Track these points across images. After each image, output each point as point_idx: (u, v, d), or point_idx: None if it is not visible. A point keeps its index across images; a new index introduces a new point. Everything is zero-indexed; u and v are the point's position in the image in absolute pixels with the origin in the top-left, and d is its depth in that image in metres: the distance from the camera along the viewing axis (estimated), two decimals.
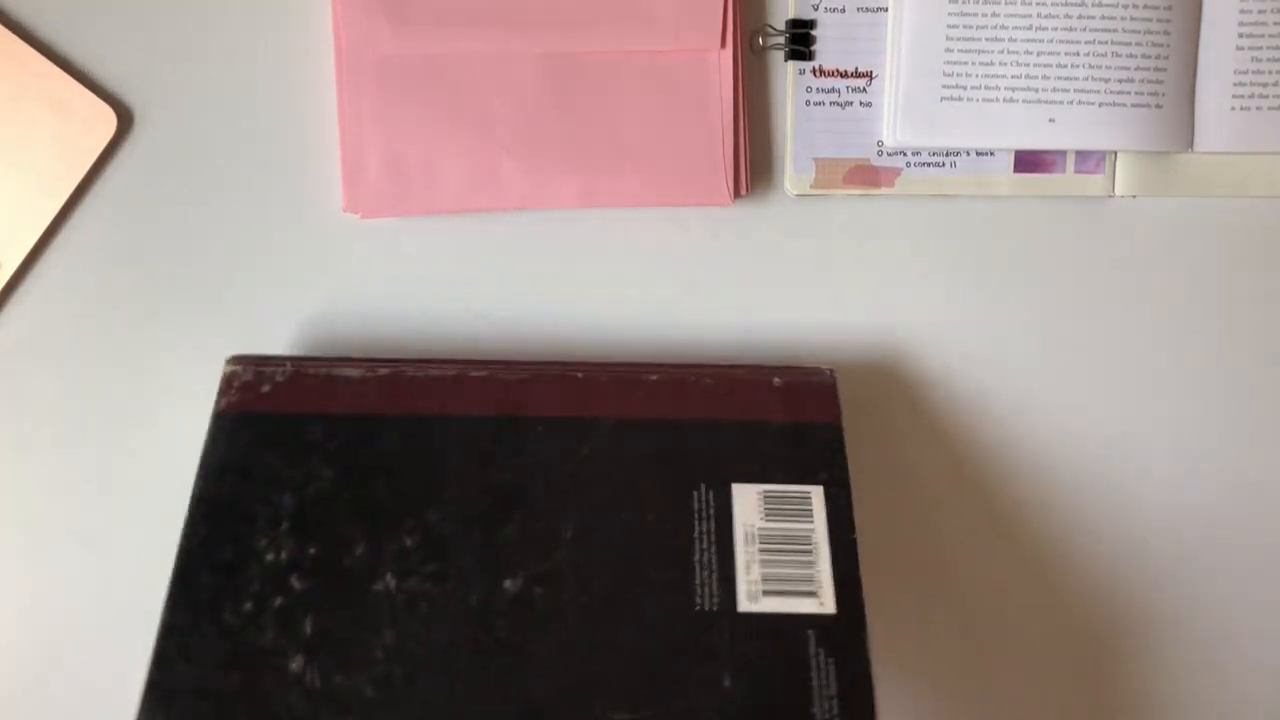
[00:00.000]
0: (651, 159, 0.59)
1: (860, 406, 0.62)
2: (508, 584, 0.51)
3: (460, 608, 0.51)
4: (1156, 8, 0.59)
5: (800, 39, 0.60)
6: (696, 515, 0.53)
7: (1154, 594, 0.63)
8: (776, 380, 0.56)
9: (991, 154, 0.61)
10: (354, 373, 0.55)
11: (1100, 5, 0.59)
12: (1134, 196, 0.62)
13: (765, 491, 0.54)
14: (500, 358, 0.58)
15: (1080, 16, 0.59)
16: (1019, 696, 0.63)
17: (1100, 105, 0.59)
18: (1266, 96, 0.61)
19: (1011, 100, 0.60)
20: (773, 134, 0.61)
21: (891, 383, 0.62)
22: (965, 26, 0.59)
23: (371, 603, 0.51)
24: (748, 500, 0.53)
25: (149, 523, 0.61)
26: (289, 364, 0.55)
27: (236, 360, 0.56)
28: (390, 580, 0.51)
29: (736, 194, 0.60)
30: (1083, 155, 0.61)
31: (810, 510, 0.53)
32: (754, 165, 0.61)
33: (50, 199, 0.59)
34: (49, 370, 0.61)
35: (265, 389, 0.55)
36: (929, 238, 0.62)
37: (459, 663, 0.50)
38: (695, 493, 0.53)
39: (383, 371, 0.55)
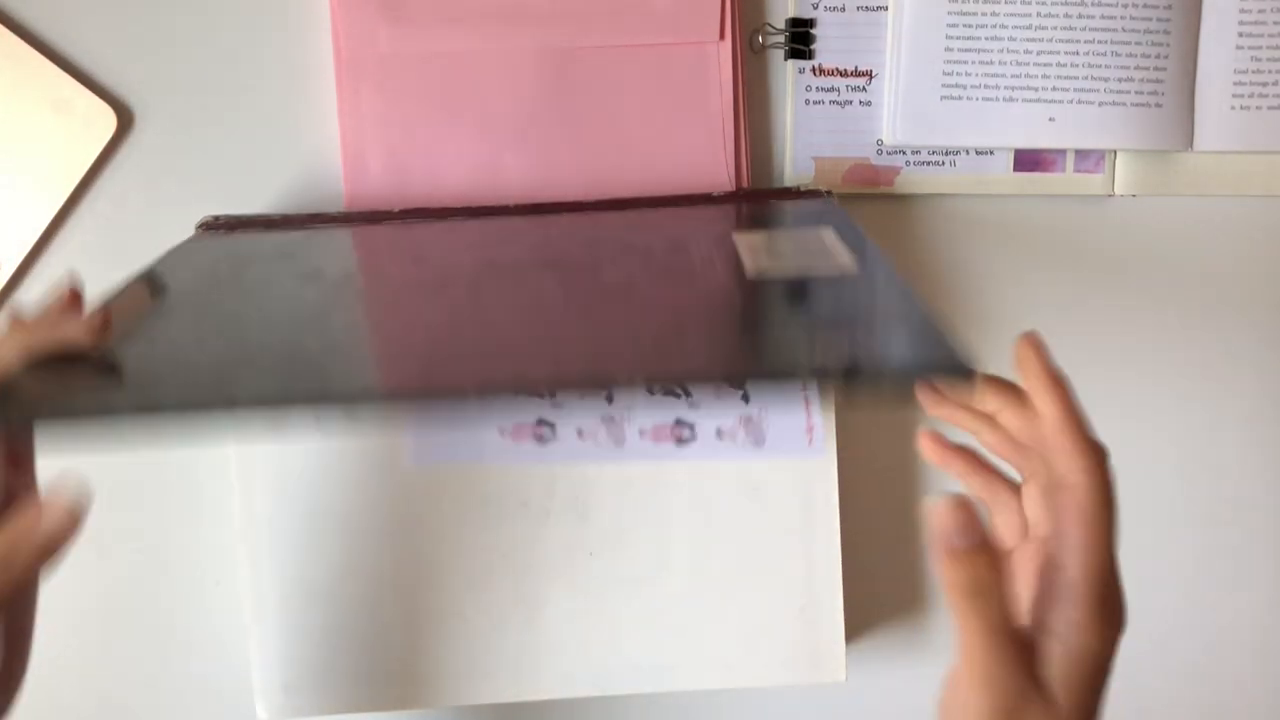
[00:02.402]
0: (653, 152, 0.59)
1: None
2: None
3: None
4: (1156, 7, 0.59)
5: (800, 38, 0.60)
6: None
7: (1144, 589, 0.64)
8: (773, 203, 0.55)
9: (991, 153, 0.61)
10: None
11: (1100, 5, 0.59)
12: (1134, 196, 0.62)
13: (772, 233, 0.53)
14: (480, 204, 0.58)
15: (1080, 16, 0.59)
16: None
17: (1100, 104, 0.59)
18: (1266, 96, 0.61)
19: (1011, 99, 0.60)
20: (772, 132, 0.61)
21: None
22: (965, 26, 0.59)
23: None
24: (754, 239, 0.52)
25: (150, 523, 0.61)
26: (262, 225, 0.56)
27: (209, 225, 0.57)
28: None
29: (738, 187, 0.60)
30: (1082, 154, 0.61)
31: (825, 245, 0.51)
32: (754, 163, 0.60)
33: (50, 199, 0.59)
34: None
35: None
36: (929, 236, 0.62)
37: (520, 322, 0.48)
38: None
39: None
